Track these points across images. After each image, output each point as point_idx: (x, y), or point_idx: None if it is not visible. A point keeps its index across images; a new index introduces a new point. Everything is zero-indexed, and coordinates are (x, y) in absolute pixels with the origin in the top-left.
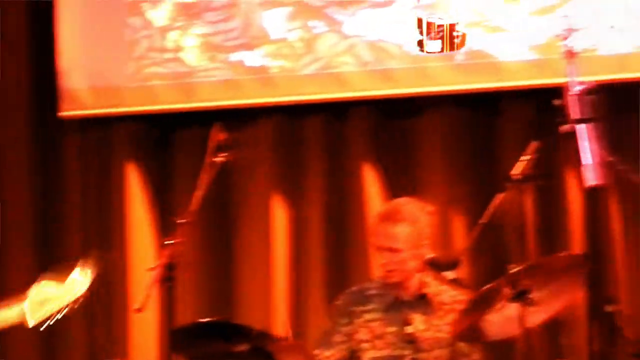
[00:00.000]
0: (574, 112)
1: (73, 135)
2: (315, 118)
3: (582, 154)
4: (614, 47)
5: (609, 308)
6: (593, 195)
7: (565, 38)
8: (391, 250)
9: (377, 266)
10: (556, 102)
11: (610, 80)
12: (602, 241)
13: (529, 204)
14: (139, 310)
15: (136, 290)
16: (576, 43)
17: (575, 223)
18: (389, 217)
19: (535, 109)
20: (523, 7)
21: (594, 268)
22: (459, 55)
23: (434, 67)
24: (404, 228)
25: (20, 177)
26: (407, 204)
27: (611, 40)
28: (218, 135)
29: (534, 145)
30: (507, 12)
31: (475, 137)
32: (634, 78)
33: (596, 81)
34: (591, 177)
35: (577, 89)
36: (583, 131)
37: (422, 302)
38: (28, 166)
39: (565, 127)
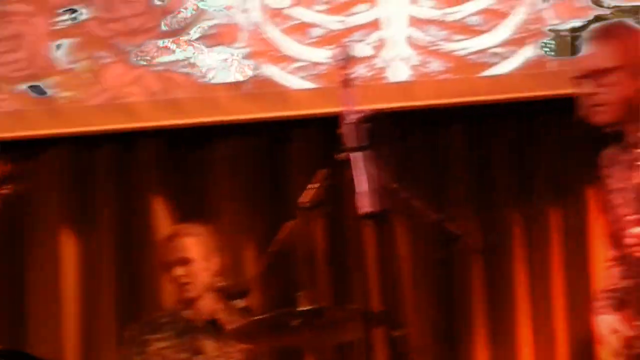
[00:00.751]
0: (350, 140)
1: None
2: (105, 149)
3: (356, 182)
4: (399, 76)
5: (395, 333)
6: (371, 223)
7: (345, 67)
8: (183, 261)
9: (170, 287)
10: (339, 130)
11: (397, 107)
12: (389, 268)
13: (317, 231)
14: None
15: None
16: (361, 72)
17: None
18: (174, 235)
19: (325, 137)
20: (309, 36)
21: (382, 294)
22: (247, 84)
23: (222, 97)
24: (191, 239)
25: None
26: (188, 225)
27: (397, 69)
28: (2, 167)
29: (322, 173)
30: (294, 41)
31: (266, 166)
32: (420, 105)
33: (382, 109)
34: (365, 204)
35: (353, 117)
36: (357, 159)
37: (213, 328)
38: None
39: (341, 155)
